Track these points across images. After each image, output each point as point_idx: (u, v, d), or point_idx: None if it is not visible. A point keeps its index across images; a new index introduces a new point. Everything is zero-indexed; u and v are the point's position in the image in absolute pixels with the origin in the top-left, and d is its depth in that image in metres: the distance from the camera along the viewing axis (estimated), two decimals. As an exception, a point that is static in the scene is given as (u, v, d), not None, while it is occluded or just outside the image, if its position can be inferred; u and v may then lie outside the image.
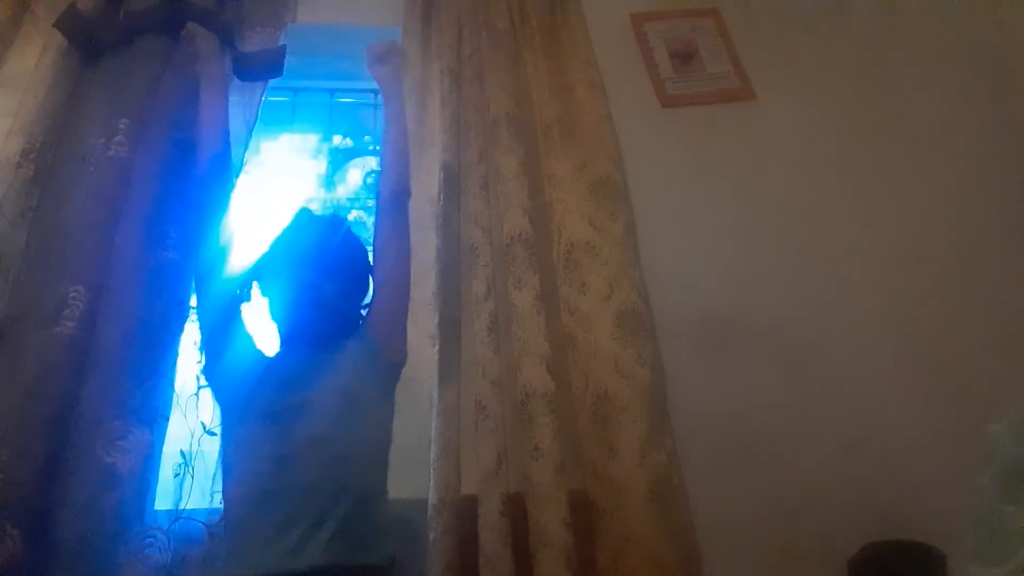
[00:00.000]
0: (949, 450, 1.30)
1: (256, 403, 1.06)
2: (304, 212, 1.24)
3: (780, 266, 1.60)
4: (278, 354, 1.15)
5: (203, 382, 1.27)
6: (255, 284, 1.19)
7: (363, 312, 1.20)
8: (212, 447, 1.23)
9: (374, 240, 1.22)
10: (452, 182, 1.50)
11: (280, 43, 1.65)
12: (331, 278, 1.13)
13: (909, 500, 1.31)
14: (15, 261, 1.30)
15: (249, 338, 1.16)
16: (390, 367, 1.15)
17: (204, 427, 1.24)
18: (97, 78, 1.53)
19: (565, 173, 1.61)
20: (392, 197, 1.23)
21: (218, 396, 1.15)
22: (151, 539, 1.12)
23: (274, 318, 1.16)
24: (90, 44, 1.55)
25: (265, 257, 1.19)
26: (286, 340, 1.16)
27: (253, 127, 1.57)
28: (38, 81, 1.48)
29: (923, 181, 1.72)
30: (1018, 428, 0.88)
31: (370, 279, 1.22)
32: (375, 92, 1.95)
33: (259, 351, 1.15)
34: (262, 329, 1.18)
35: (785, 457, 1.38)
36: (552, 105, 1.70)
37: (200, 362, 1.26)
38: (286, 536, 0.93)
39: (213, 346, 1.15)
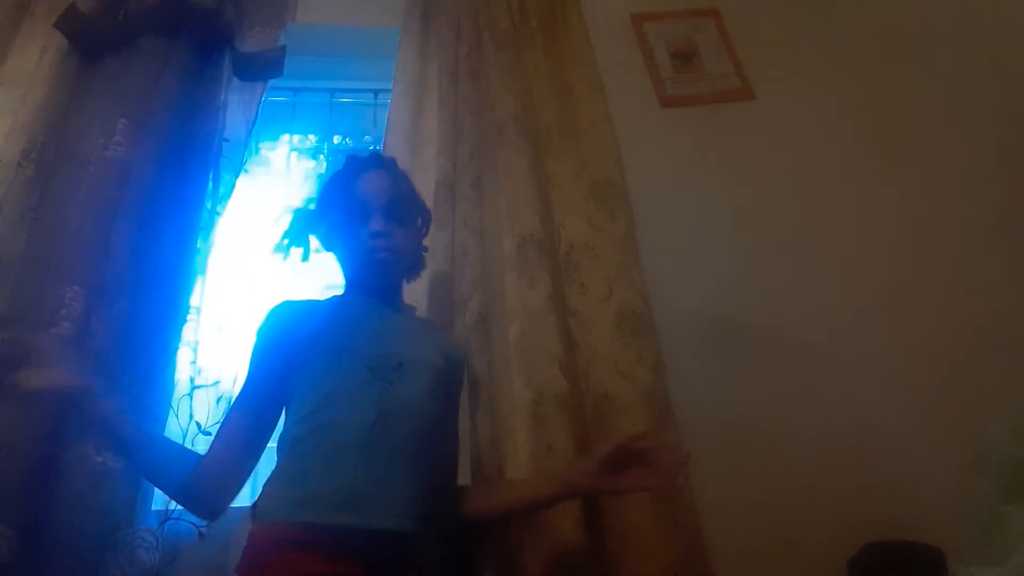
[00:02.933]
0: (949, 450, 1.29)
1: (355, 350, 1.04)
2: (352, 158, 1.23)
3: (780, 266, 1.59)
4: (346, 298, 1.16)
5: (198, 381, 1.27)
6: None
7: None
8: (205, 447, 1.22)
9: None
10: (448, 183, 1.50)
11: (280, 43, 1.65)
12: (398, 222, 1.15)
13: (909, 500, 1.30)
14: (15, 261, 1.30)
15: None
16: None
17: (199, 427, 1.24)
18: (97, 78, 1.53)
19: (565, 174, 1.60)
20: None
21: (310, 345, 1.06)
22: (140, 540, 1.12)
23: (345, 268, 1.17)
24: (90, 44, 1.55)
25: (322, 207, 1.19)
26: (353, 287, 1.17)
27: (253, 127, 1.58)
28: (38, 81, 1.48)
29: (923, 180, 1.72)
30: (1018, 428, 0.88)
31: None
32: (375, 92, 1.96)
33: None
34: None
35: (785, 457, 1.37)
36: (552, 105, 1.70)
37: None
38: (377, 493, 0.93)
39: None
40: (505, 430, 1.29)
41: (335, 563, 0.88)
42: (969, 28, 1.93)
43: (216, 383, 1.29)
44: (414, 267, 1.24)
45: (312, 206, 1.23)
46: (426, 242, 1.41)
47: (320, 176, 1.90)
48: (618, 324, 1.41)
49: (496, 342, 1.35)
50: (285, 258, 1.20)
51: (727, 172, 1.72)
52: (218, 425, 1.07)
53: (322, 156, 1.96)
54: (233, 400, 1.07)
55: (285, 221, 1.21)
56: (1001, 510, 0.84)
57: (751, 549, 1.28)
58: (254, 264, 1.57)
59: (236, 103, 1.59)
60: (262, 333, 1.08)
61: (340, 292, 1.19)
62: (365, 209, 1.13)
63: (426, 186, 1.48)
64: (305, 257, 1.20)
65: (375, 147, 1.96)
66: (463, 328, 1.35)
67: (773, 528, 1.30)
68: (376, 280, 1.15)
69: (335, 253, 1.19)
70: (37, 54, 1.54)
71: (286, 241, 1.19)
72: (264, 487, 0.98)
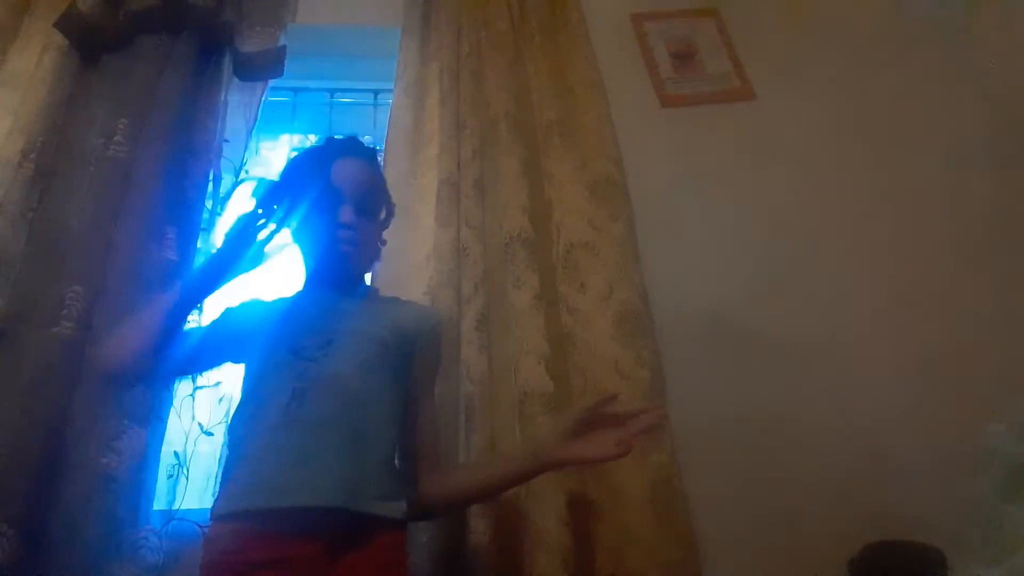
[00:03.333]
0: (949, 450, 1.29)
1: (282, 337, 1.02)
2: (332, 139, 1.18)
3: (780, 266, 1.59)
4: (301, 293, 1.13)
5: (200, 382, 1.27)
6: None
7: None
8: (208, 448, 1.23)
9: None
10: (452, 183, 1.50)
11: (280, 43, 1.65)
12: (368, 216, 1.11)
13: (909, 500, 1.30)
14: (15, 261, 1.30)
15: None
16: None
17: (201, 427, 1.24)
18: (97, 78, 1.53)
19: (565, 173, 1.60)
20: None
21: (247, 338, 1.07)
22: (144, 540, 1.12)
23: (304, 254, 1.13)
24: (90, 44, 1.55)
25: (289, 181, 1.09)
26: (311, 279, 1.13)
27: (253, 127, 1.58)
28: (38, 81, 1.49)
29: (923, 181, 1.72)
30: (1018, 428, 0.88)
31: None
32: (375, 92, 1.96)
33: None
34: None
35: (785, 457, 1.37)
36: (552, 105, 1.70)
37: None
38: (296, 471, 0.90)
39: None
40: (504, 429, 1.29)
41: (271, 549, 0.87)
42: (968, 28, 1.93)
43: (217, 384, 1.29)
44: (372, 260, 1.19)
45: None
46: (430, 241, 1.42)
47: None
48: (617, 324, 1.41)
49: (496, 341, 1.36)
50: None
51: (727, 172, 1.72)
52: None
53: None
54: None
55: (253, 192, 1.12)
56: (1001, 510, 0.84)
57: (751, 549, 1.28)
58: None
59: (236, 103, 1.59)
60: (224, 313, 1.10)
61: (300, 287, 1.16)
62: (336, 196, 1.08)
63: (428, 185, 1.48)
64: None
65: (376, 147, 1.96)
66: (467, 327, 1.36)
67: (773, 528, 1.30)
68: (335, 272, 1.11)
69: (294, 235, 1.11)
70: (37, 54, 1.55)
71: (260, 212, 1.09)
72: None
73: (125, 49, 1.55)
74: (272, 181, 1.08)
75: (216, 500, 0.95)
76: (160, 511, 1.17)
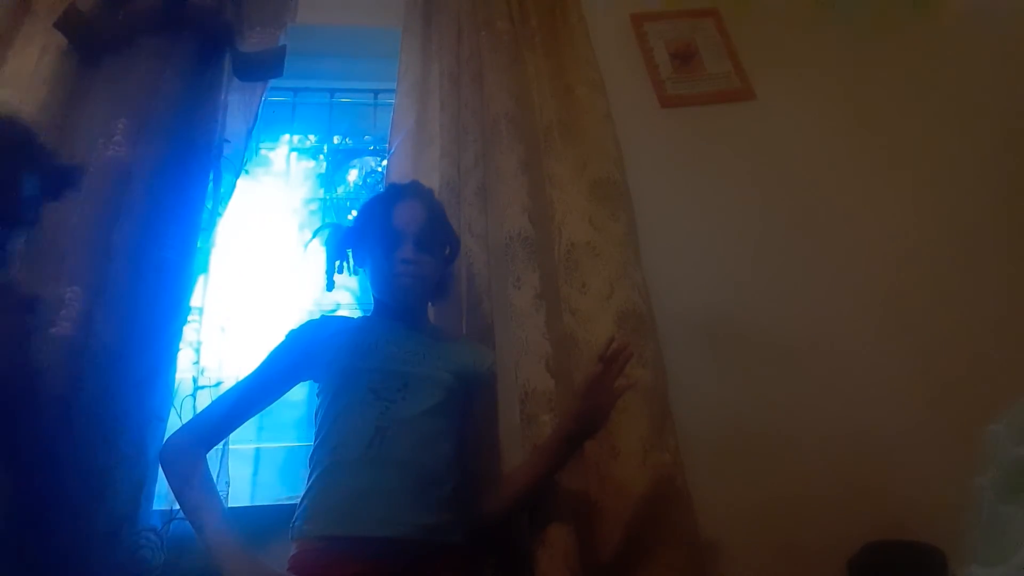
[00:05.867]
0: (949, 450, 1.29)
1: (360, 374, 1.12)
2: (392, 185, 1.33)
3: (780, 266, 1.59)
4: (372, 320, 1.25)
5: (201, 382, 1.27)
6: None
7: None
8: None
9: None
10: (452, 188, 1.50)
11: (280, 43, 1.65)
12: (428, 252, 1.21)
13: (909, 500, 1.31)
14: (15, 261, 1.30)
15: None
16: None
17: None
18: (97, 78, 1.53)
19: (565, 173, 1.60)
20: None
21: (321, 356, 1.16)
22: (144, 540, 1.12)
23: (373, 287, 1.25)
24: (90, 44, 1.55)
25: (358, 227, 1.26)
26: (379, 309, 1.25)
27: (253, 127, 1.57)
28: (38, 81, 1.48)
29: (923, 181, 1.72)
30: (1018, 428, 0.88)
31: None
32: (375, 92, 1.96)
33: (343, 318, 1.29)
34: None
35: (785, 457, 1.37)
36: (552, 105, 1.70)
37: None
38: (377, 504, 1.00)
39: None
40: (505, 429, 1.29)
41: (351, 569, 0.96)
42: (970, 26, 1.93)
43: (219, 384, 1.28)
44: (440, 292, 1.31)
45: (350, 223, 1.30)
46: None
47: (321, 175, 1.91)
48: (619, 323, 1.41)
49: (502, 346, 1.36)
50: (329, 276, 1.26)
51: (727, 172, 1.73)
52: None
53: (322, 156, 1.96)
54: (232, 386, 1.16)
55: (322, 235, 1.29)
56: (1001, 510, 0.84)
57: (751, 549, 1.28)
58: (255, 264, 1.58)
59: (236, 103, 1.59)
60: (290, 336, 1.19)
61: (370, 312, 1.28)
62: (398, 236, 1.19)
63: (431, 185, 1.48)
64: (349, 271, 1.29)
65: (376, 147, 1.96)
66: (473, 335, 1.36)
67: (773, 528, 1.30)
68: (400, 303, 1.22)
69: (366, 272, 1.26)
70: (37, 54, 1.54)
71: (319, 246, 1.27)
72: (299, 504, 1.06)
73: (125, 49, 1.54)
74: (344, 227, 1.28)
75: (299, 522, 1.03)
76: (160, 511, 1.17)
